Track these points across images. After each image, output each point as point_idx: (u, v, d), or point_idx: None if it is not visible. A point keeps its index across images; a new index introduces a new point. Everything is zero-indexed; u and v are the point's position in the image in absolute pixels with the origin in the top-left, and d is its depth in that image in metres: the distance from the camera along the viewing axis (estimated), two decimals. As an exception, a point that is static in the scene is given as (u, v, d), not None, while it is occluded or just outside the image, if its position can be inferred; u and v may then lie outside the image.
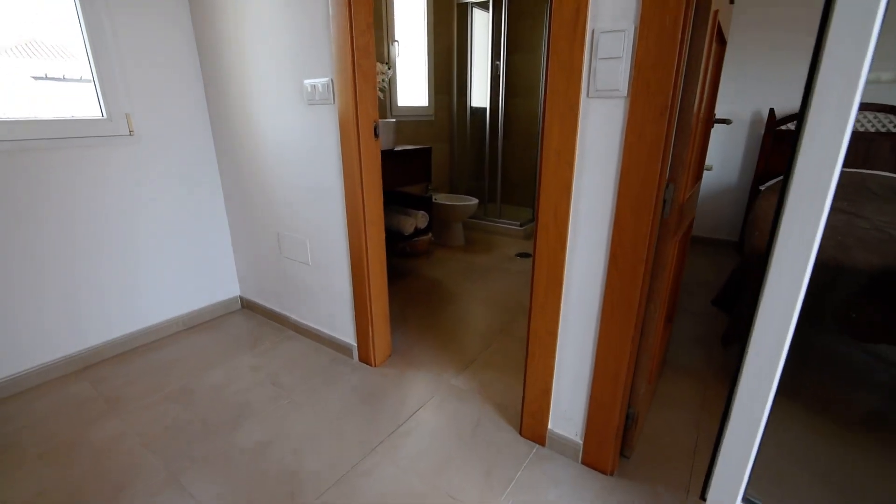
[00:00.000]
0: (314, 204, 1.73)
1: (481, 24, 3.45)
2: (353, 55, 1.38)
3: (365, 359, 1.79)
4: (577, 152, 1.04)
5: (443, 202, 3.11)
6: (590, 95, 0.99)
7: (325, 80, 1.48)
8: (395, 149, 2.35)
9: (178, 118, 1.89)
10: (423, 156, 2.53)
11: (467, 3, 3.37)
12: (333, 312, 1.85)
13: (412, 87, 3.23)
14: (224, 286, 2.24)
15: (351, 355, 1.83)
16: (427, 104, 3.36)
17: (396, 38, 2.90)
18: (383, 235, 1.68)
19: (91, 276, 1.76)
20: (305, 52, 1.52)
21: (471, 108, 3.65)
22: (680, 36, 0.85)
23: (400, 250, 3.02)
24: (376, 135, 1.54)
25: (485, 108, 3.53)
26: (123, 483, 1.24)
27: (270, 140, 1.77)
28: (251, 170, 1.91)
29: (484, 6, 3.35)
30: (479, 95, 3.64)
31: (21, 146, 1.50)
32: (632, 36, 0.90)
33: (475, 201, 3.17)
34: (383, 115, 2.93)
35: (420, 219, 2.62)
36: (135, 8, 1.69)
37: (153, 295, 1.97)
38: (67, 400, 1.59)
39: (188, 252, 2.06)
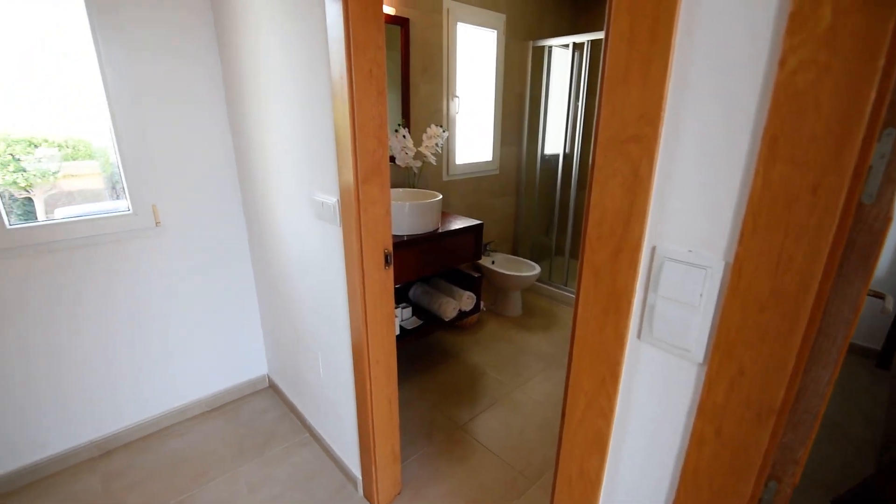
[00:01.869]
0: (324, 323, 1.52)
1: (559, 66, 3.05)
2: (356, 178, 1.14)
3: (369, 497, 1.55)
4: (619, 404, 0.69)
5: (500, 270, 2.78)
6: (641, 338, 0.63)
7: (332, 199, 1.25)
8: (439, 230, 2.09)
9: (206, 205, 1.81)
10: (473, 232, 2.24)
11: (544, 46, 2.99)
12: (341, 435, 1.64)
13: (474, 142, 2.95)
14: (252, 365, 2.15)
15: (356, 488, 1.60)
16: (491, 158, 3.05)
17: (457, 94, 2.63)
18: (394, 371, 1.43)
19: (122, 360, 1.73)
20: (316, 163, 1.31)
21: (542, 156, 3.27)
22: (812, 303, 0.47)
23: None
24: (387, 262, 1.28)
25: (558, 155, 3.13)
26: None
27: (290, 239, 1.60)
28: (275, 261, 1.77)
29: (563, 47, 2.96)
30: (553, 142, 3.25)
31: (53, 247, 1.49)
32: (719, 278, 0.54)
33: (536, 272, 2.79)
34: (437, 180, 2.68)
35: (465, 300, 2.32)
36: (171, 105, 1.62)
37: (182, 376, 1.92)
38: (78, 500, 1.56)
39: (218, 331, 1.98)
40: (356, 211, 1.17)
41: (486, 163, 3.03)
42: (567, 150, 3.09)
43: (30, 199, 1.60)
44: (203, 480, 1.65)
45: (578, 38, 2.79)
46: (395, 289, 1.33)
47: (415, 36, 2.33)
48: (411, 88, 2.40)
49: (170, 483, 1.64)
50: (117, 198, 1.67)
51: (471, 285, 2.43)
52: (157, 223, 1.69)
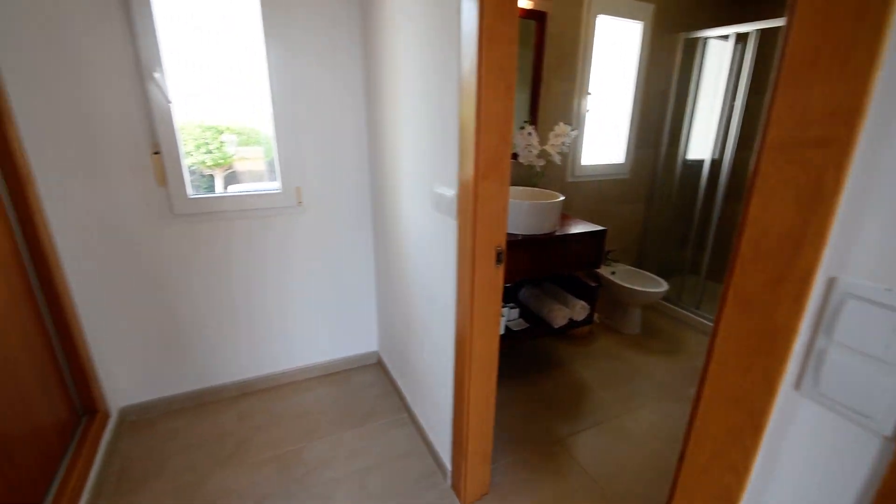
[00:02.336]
0: (432, 312, 1.56)
1: (714, 60, 2.68)
2: (476, 172, 1.13)
3: (456, 489, 1.56)
4: (759, 463, 0.57)
5: (621, 282, 2.57)
6: (801, 390, 0.51)
7: (451, 192, 1.27)
8: (557, 232, 1.99)
9: (340, 190, 1.99)
10: (594, 238, 2.09)
11: (697, 38, 2.65)
12: (436, 424, 1.67)
13: (604, 142, 2.75)
14: (364, 341, 2.32)
15: (444, 477, 1.63)
16: (622, 161, 2.82)
17: (590, 91, 2.48)
18: (494, 370, 1.40)
19: (262, 318, 2.01)
20: (438, 156, 1.34)
21: (684, 161, 2.92)
22: None
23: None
24: (499, 260, 1.26)
25: (703, 161, 2.76)
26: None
27: (408, 227, 1.67)
28: (393, 247, 1.87)
29: (722, 38, 2.58)
30: (699, 146, 2.87)
31: (221, 215, 1.79)
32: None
33: (662, 288, 2.52)
34: (560, 181, 2.57)
35: (578, 310, 2.19)
36: (319, 100, 1.81)
37: (306, 341, 2.15)
38: (214, 431, 1.86)
39: (339, 305, 2.18)
40: (472, 205, 1.16)
41: (616, 165, 2.82)
42: (716, 156, 2.71)
43: (212, 177, 1.93)
44: (312, 437, 1.83)
45: (743, 28, 2.42)
46: (505, 288, 1.31)
47: (551, 30, 2.25)
48: (542, 85, 2.32)
49: (287, 432, 1.85)
50: (274, 179, 1.93)
51: (586, 295, 2.28)
52: (299, 202, 1.91)
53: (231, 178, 1.97)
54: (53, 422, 1.44)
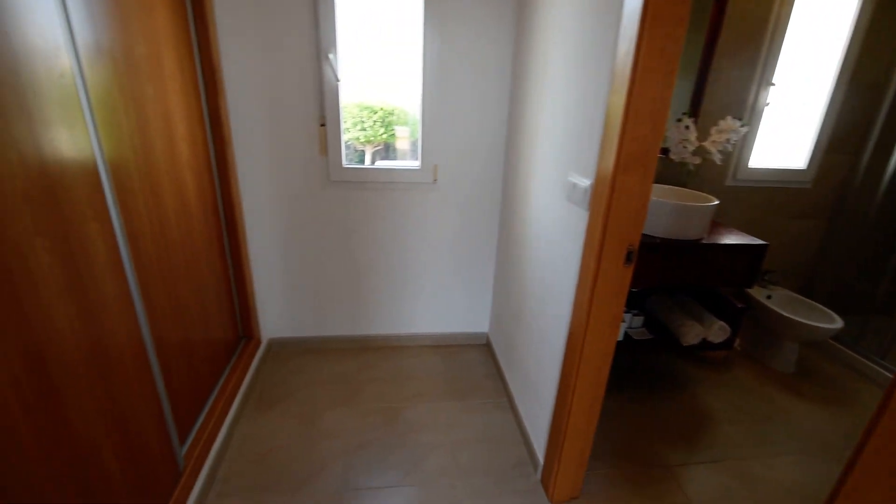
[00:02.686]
0: (547, 303, 1.53)
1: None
2: (617, 163, 1.06)
3: (545, 484, 1.53)
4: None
5: (779, 310, 2.19)
6: None
7: (586, 182, 1.21)
8: (704, 240, 1.76)
9: (472, 172, 2.04)
10: (750, 253, 1.80)
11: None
12: (535, 415, 1.65)
13: (781, 143, 2.32)
14: (477, 320, 2.38)
15: (535, 470, 1.61)
16: (804, 167, 2.36)
17: (773, 81, 2.10)
18: (605, 375, 1.32)
19: (390, 282, 2.21)
20: (577, 142, 1.28)
21: (895, 173, 2.32)
22: None
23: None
24: (628, 260, 1.17)
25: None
26: (312, 475, 1.54)
27: (535, 213, 1.65)
28: (517, 231, 1.86)
29: None
30: (924, 158, 2.25)
31: (367, 186, 1.98)
32: None
33: (835, 325, 2.08)
34: (717, 183, 2.26)
35: (715, 331, 1.93)
36: (466, 84, 1.86)
37: (424, 310, 2.30)
38: (336, 374, 2.10)
39: (458, 282, 2.26)
40: (608, 198, 1.09)
41: (794, 171, 2.37)
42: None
43: (363, 152, 2.14)
44: (416, 400, 1.95)
45: None
46: (631, 292, 1.21)
47: (733, 8, 1.95)
48: (711, 72, 2.05)
49: (395, 390, 2.01)
50: (416, 158, 2.06)
51: (728, 315, 2.00)
52: (434, 180, 2.01)
53: (378, 155, 2.15)
54: (222, 339, 1.78)
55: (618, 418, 1.90)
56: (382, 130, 2.10)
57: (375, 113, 2.08)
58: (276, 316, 2.19)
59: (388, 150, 2.14)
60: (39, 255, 0.79)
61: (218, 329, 1.72)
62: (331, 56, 1.73)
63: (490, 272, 2.27)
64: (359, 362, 2.20)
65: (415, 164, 2.02)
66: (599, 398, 1.37)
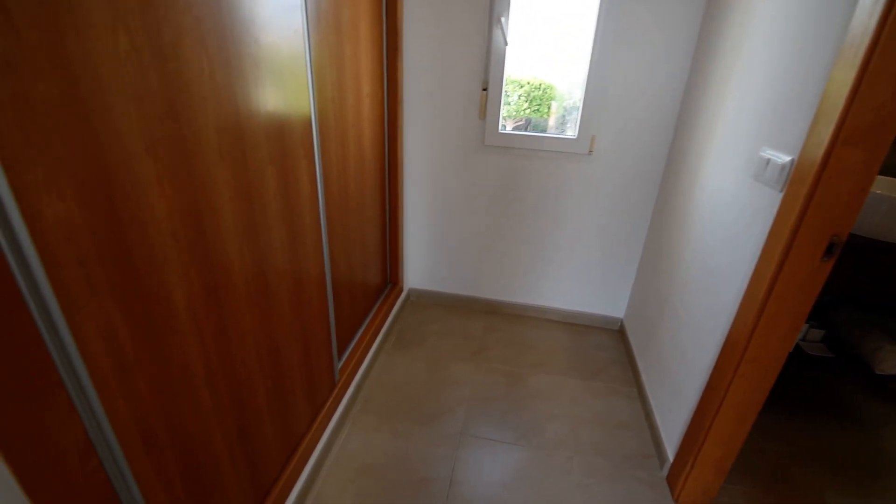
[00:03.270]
0: (704, 293, 1.38)
1: None
2: (835, 136, 0.89)
3: (671, 483, 1.44)
4: None
5: None
6: None
7: (784, 158, 1.04)
8: (933, 248, 1.40)
9: (633, 145, 1.89)
10: None
11: None
12: (669, 410, 1.54)
13: None
14: (612, 304, 2.27)
15: (660, 466, 1.52)
16: None
17: None
18: (768, 383, 1.17)
19: (530, 251, 2.23)
20: (778, 110, 1.10)
21: None
22: None
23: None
24: (828, 253, 0.99)
25: None
26: (438, 415, 1.68)
27: (707, 196, 1.49)
28: (677, 211, 1.70)
29: None
30: None
31: (524, 153, 2.00)
32: None
33: None
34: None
35: (927, 363, 1.55)
36: (637, 54, 1.71)
37: (557, 283, 2.27)
38: (464, 330, 2.22)
39: (599, 261, 2.17)
40: (814, 177, 0.93)
41: None
42: None
43: (504, 126, 2.14)
44: (539, 370, 1.97)
45: None
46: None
47: None
48: None
49: (517, 354, 2.05)
50: (562, 133, 1.99)
51: (950, 348, 1.58)
52: (590, 151, 1.93)
53: (518, 130, 2.13)
54: (374, 281, 2.01)
55: (772, 437, 1.67)
56: (526, 105, 2.08)
57: (522, 87, 2.06)
58: (417, 267, 2.38)
59: (527, 125, 2.12)
60: (269, 180, 0.99)
61: (371, 270, 1.94)
62: (503, 19, 1.74)
63: (636, 255, 2.13)
64: (485, 323, 2.29)
65: (567, 134, 1.96)
66: (755, 407, 1.22)
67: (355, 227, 1.64)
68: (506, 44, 1.78)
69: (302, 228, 1.17)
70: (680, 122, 1.79)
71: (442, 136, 2.03)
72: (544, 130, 2.13)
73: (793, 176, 1.01)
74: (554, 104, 2.10)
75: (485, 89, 1.88)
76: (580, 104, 1.87)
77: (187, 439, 0.83)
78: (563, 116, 2.10)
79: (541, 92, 2.08)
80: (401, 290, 2.31)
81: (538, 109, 2.12)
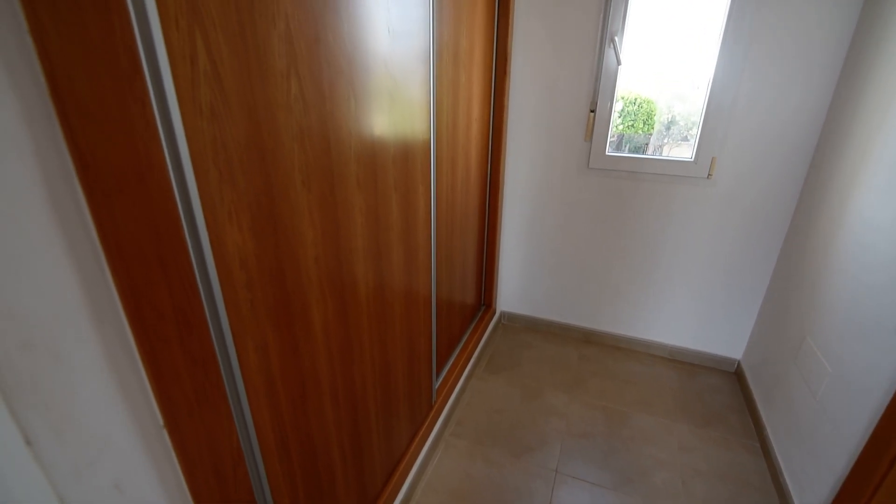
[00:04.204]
0: (860, 341, 1.18)
1: None
2: None
3: (814, 567, 1.23)
4: None
5: None
6: None
7: None
8: None
9: (760, 171, 1.70)
10: None
11: None
12: (807, 475, 1.32)
13: None
14: (727, 343, 2.04)
15: (799, 542, 1.30)
16: None
17: None
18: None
19: (636, 280, 2.09)
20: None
21: None
22: None
23: None
24: None
25: None
26: (532, 447, 1.61)
27: (854, 221, 1.28)
28: (817, 248, 1.49)
29: None
30: None
31: (635, 176, 1.90)
32: None
33: None
34: None
35: None
36: (773, 66, 1.55)
37: (665, 316, 2.10)
38: (559, 359, 2.13)
39: (714, 294, 1.97)
40: None
41: None
42: None
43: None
44: (643, 410, 1.82)
45: None
46: None
47: None
48: None
49: (617, 390, 1.91)
50: (658, 153, 1.87)
51: None
52: (709, 175, 1.77)
53: (611, 146, 2.02)
54: (470, 302, 2.01)
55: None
56: (619, 121, 1.97)
57: (617, 102, 1.96)
58: (512, 290, 2.34)
59: (619, 142, 2.00)
60: (393, 204, 1.03)
61: (469, 291, 1.94)
62: (616, 39, 1.68)
63: (759, 291, 1.89)
64: (580, 352, 2.18)
65: (686, 156, 1.82)
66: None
67: (458, 247, 1.66)
68: (619, 63, 1.71)
69: (416, 249, 1.20)
70: (819, 147, 1.57)
71: (545, 157, 1.99)
72: (640, 148, 2.01)
73: None
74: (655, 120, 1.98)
75: (592, 111, 1.82)
76: (699, 123, 1.73)
77: (311, 450, 0.87)
78: (661, 132, 1.97)
79: (636, 107, 1.97)
80: (494, 312, 2.28)
81: (632, 125, 2.01)
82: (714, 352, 2.07)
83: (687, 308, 2.04)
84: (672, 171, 1.81)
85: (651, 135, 2.00)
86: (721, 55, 1.60)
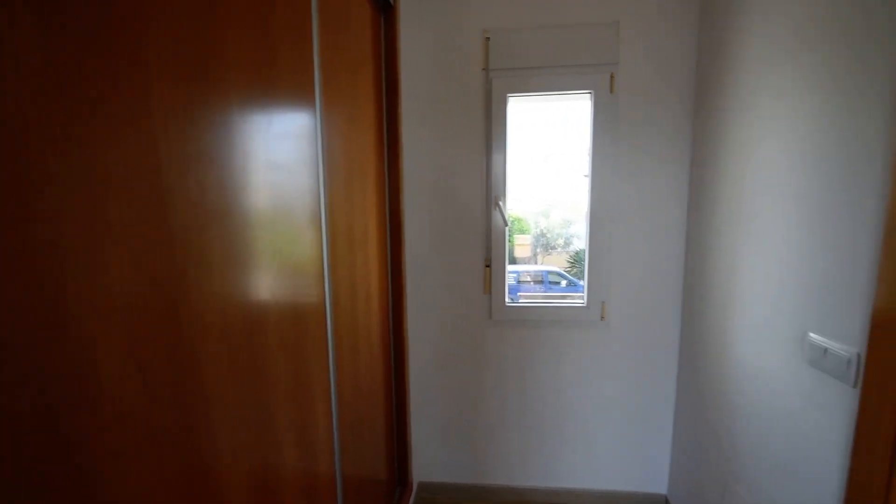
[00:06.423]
0: (777, 488, 1.20)
1: None
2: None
3: None
4: None
5: None
6: None
7: (846, 351, 0.98)
8: None
9: (645, 309, 1.87)
10: None
11: None
12: None
13: None
14: (650, 479, 2.00)
15: None
16: None
17: None
18: None
19: (549, 429, 2.01)
20: (823, 286, 1.06)
21: None
22: None
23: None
24: (941, 465, 0.86)
25: None
26: None
27: (739, 372, 1.39)
28: (707, 389, 1.59)
29: None
30: None
31: (536, 324, 1.93)
32: None
33: None
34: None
35: None
36: (640, 212, 1.81)
37: (585, 462, 2.02)
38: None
39: (626, 433, 1.96)
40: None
41: None
42: None
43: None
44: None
45: None
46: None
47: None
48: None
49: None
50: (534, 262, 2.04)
51: None
52: (601, 318, 1.87)
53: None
54: (382, 480, 1.71)
55: None
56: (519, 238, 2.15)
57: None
58: (428, 457, 2.09)
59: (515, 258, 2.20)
60: (280, 365, 0.84)
61: (380, 469, 1.66)
62: (500, 203, 1.82)
63: (668, 424, 1.94)
64: (516, 519, 1.94)
65: (578, 300, 1.93)
66: None
67: (365, 419, 1.43)
68: (505, 224, 1.83)
69: (314, 421, 0.97)
70: (688, 285, 1.79)
71: (446, 315, 1.95)
72: (527, 261, 2.20)
73: (866, 369, 0.93)
74: (527, 237, 2.19)
75: (488, 266, 1.88)
76: (584, 269, 1.87)
77: None
78: (534, 244, 2.20)
79: (519, 226, 2.15)
80: (411, 489, 1.98)
81: (514, 242, 2.21)
82: (641, 490, 2.01)
83: (606, 450, 1.99)
84: (569, 317, 1.89)
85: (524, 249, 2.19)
86: (592, 206, 1.81)
